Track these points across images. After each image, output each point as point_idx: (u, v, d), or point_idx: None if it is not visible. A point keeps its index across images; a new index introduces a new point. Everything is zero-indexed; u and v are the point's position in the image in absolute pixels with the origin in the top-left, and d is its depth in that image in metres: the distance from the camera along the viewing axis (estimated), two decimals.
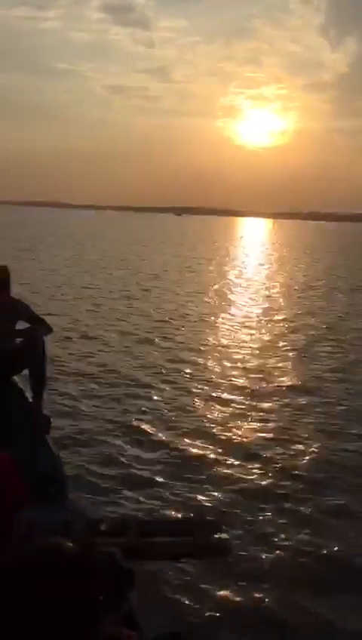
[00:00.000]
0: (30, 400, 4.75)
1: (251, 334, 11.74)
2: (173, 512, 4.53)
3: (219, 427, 6.47)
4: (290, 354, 10.13)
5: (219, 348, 10.38)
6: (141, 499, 4.73)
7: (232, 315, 14.04)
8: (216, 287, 19.34)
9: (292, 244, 53.18)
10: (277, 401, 7.48)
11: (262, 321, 13.34)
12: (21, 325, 4.92)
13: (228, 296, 17.42)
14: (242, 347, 10.49)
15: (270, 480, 5.25)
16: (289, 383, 8.28)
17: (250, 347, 10.51)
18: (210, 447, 5.92)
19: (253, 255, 37.19)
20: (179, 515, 4.44)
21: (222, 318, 13.50)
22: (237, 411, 7.05)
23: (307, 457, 5.76)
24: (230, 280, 22.01)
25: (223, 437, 6.19)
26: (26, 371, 4.87)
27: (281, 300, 17.07)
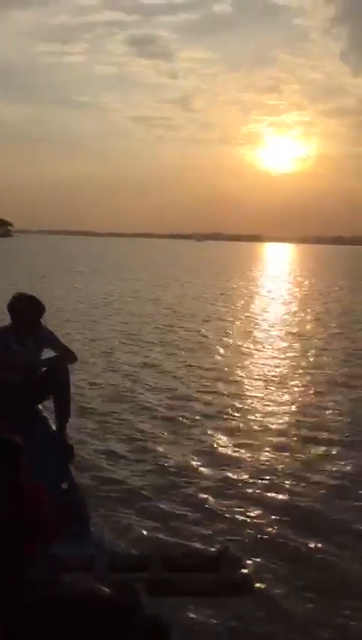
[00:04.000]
0: (54, 428, 4.75)
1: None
2: (198, 546, 4.41)
3: (254, 462, 6.24)
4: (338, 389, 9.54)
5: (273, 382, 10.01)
6: (164, 532, 4.63)
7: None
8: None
9: (321, 270, 52.36)
10: (325, 433, 7.27)
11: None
12: (46, 354, 4.95)
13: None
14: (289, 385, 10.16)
15: (300, 516, 5.05)
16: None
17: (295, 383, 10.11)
18: (239, 478, 5.77)
19: (281, 283, 35.97)
20: (204, 550, 4.33)
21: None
22: (275, 447, 6.71)
23: (352, 498, 5.44)
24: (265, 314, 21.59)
25: (254, 471, 5.99)
26: (50, 400, 4.89)
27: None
